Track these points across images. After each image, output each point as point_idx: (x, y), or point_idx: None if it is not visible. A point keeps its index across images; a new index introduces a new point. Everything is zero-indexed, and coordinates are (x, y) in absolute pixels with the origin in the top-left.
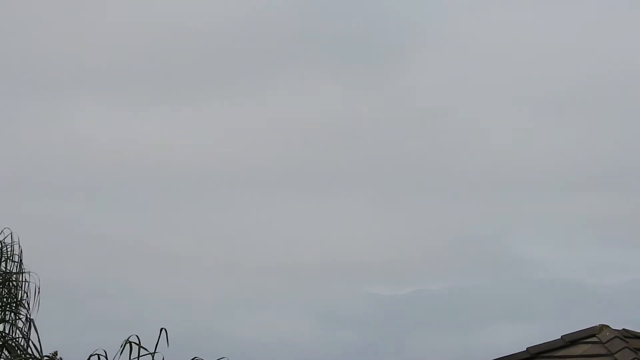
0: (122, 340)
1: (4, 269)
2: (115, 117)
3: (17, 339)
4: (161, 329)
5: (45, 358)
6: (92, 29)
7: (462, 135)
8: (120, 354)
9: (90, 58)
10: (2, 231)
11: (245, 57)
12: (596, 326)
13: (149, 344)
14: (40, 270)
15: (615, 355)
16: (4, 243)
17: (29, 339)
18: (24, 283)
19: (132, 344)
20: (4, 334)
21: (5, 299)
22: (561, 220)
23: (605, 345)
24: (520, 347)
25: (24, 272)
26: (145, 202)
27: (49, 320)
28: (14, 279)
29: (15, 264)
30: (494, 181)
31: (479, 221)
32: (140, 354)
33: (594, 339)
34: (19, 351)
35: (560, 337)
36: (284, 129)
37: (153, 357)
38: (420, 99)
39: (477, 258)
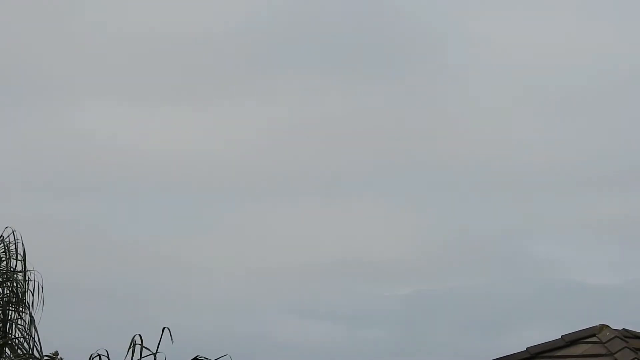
0: (123, 341)
1: (7, 268)
2: (117, 117)
3: (19, 338)
4: (163, 329)
5: (46, 358)
6: (97, 29)
7: (464, 134)
8: (129, 354)
9: (92, 58)
10: (4, 229)
11: (249, 58)
12: (596, 326)
13: (151, 343)
14: (42, 269)
15: (615, 355)
16: (7, 241)
17: (32, 337)
18: (27, 282)
19: (135, 343)
20: (5, 333)
21: (7, 298)
22: (561, 220)
23: (605, 345)
24: (520, 347)
25: (27, 271)
26: (147, 201)
27: (50, 319)
28: (17, 277)
29: (19, 262)
30: (494, 181)
31: (478, 221)
32: (143, 354)
33: (594, 339)
34: (19, 351)
35: (560, 337)
36: (286, 129)
37: (155, 356)
38: (424, 98)
39: (477, 258)
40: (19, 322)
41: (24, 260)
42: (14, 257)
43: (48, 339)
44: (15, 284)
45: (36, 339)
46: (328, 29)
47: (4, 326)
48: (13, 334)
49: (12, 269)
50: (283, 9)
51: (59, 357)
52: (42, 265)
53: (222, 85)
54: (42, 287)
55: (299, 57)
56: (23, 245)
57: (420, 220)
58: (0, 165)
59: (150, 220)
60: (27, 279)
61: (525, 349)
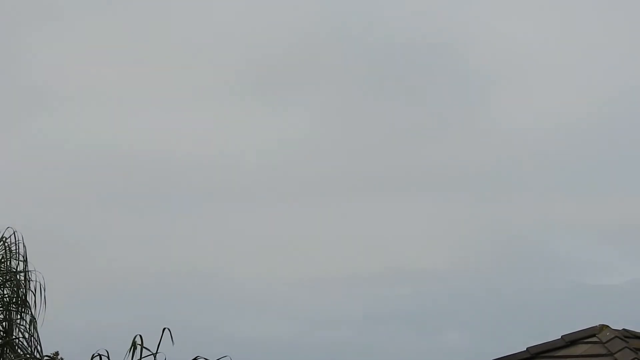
0: (123, 341)
1: (8, 268)
2: (119, 117)
3: (20, 339)
4: (164, 329)
5: (46, 358)
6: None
7: (467, 136)
8: (129, 354)
9: (99, 59)
10: (5, 230)
11: (284, 65)
12: (596, 326)
13: (151, 344)
14: (43, 269)
15: (615, 355)
16: (9, 242)
17: (33, 338)
18: (28, 282)
19: (135, 343)
20: (7, 333)
21: (8, 298)
22: (560, 219)
23: (605, 345)
24: (520, 347)
25: (28, 271)
26: (153, 203)
27: (51, 319)
28: (18, 277)
29: (21, 262)
30: (493, 180)
31: (478, 220)
32: (143, 354)
33: (594, 339)
34: (20, 351)
35: (560, 337)
36: (296, 136)
37: (155, 357)
38: (432, 100)
39: (476, 258)
40: (20, 323)
41: (25, 260)
42: (15, 258)
43: (49, 339)
44: (16, 285)
45: (37, 339)
46: (354, 39)
47: (6, 326)
48: (14, 334)
49: (13, 270)
50: (314, 19)
51: (59, 357)
52: (43, 265)
53: (247, 92)
54: (44, 288)
55: (326, 65)
56: (24, 245)
57: (420, 221)
58: (2, 166)
59: (157, 221)
60: (28, 279)
61: (525, 349)
